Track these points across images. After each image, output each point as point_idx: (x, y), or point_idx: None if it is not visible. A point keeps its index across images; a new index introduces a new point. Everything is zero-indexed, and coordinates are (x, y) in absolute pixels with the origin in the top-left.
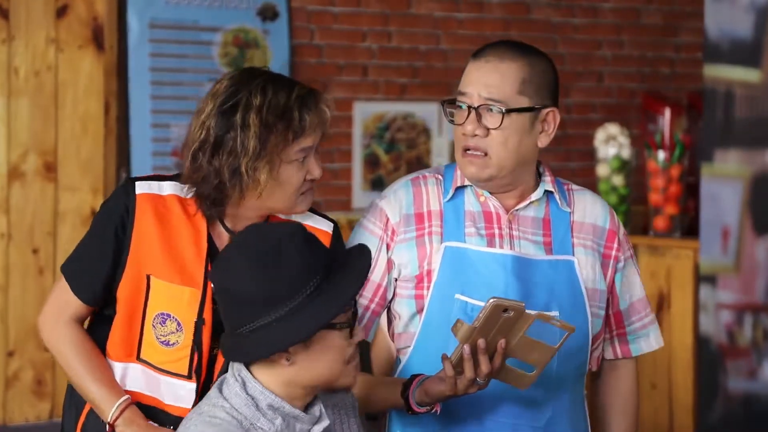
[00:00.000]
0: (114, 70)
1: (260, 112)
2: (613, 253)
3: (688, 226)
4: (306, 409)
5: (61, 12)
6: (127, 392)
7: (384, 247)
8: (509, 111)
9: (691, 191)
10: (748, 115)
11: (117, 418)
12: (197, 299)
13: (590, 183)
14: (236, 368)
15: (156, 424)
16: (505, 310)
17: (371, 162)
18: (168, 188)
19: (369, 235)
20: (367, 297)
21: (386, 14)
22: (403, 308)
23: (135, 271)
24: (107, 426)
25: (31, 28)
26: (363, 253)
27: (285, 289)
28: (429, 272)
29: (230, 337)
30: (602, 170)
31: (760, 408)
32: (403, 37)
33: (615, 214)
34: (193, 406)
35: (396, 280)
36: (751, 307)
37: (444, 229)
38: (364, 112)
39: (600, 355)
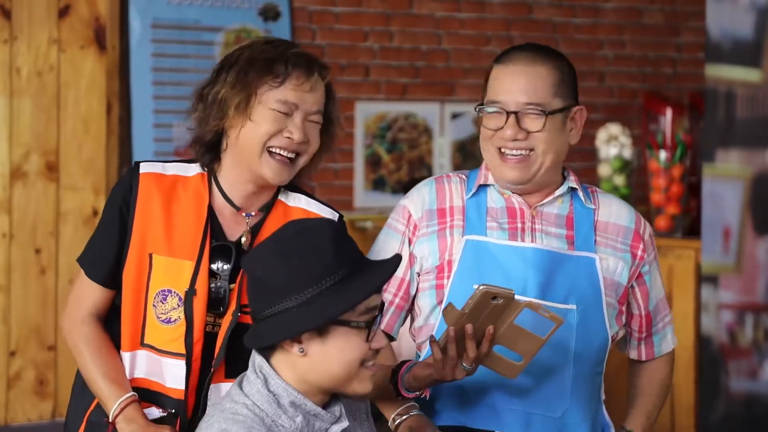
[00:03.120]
0: (116, 70)
1: (251, 51)
2: (639, 253)
3: (690, 226)
4: (326, 407)
5: (63, 12)
6: (132, 380)
7: (406, 241)
8: (551, 113)
9: (692, 191)
10: (749, 115)
11: (118, 415)
12: (192, 270)
13: (592, 183)
14: (257, 364)
15: (158, 422)
16: (495, 297)
17: (373, 162)
18: (172, 168)
19: (393, 232)
20: (391, 292)
21: (388, 14)
22: (425, 300)
23: (138, 250)
24: (109, 424)
25: (34, 28)
26: (393, 258)
27: (306, 278)
28: (450, 262)
29: (253, 324)
30: (604, 170)
31: (761, 408)
32: (404, 37)
33: (641, 216)
34: (186, 384)
35: (418, 274)
36: (752, 308)
37: (466, 223)
38: (366, 112)
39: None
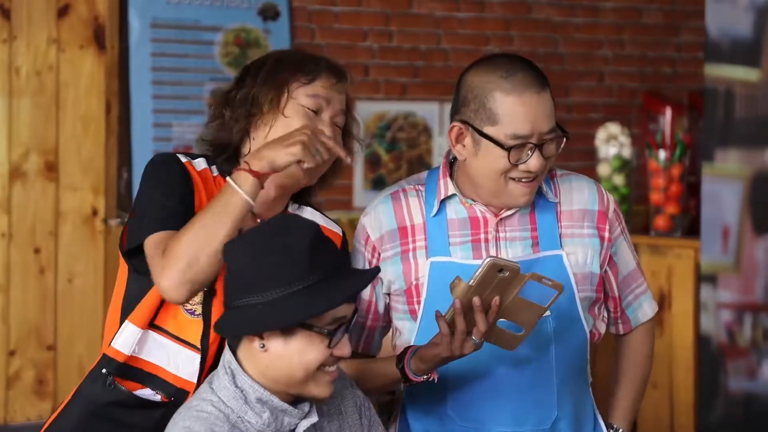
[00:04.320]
0: (115, 69)
1: (279, 54)
2: (606, 234)
3: (689, 225)
4: (295, 403)
5: (63, 12)
6: (132, 357)
7: (366, 264)
8: (565, 137)
9: (692, 191)
10: (748, 114)
11: (251, 184)
12: None
13: None
14: (227, 360)
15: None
16: (501, 270)
17: (372, 161)
18: (202, 164)
19: (357, 254)
20: (362, 315)
21: (387, 14)
22: (403, 323)
23: None
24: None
25: (33, 27)
26: (371, 270)
27: (277, 279)
28: (417, 286)
29: (224, 311)
30: (603, 170)
31: (760, 407)
32: (403, 37)
33: (604, 191)
34: (197, 379)
35: (388, 294)
36: (751, 307)
37: (428, 242)
38: (365, 111)
39: (595, 328)
